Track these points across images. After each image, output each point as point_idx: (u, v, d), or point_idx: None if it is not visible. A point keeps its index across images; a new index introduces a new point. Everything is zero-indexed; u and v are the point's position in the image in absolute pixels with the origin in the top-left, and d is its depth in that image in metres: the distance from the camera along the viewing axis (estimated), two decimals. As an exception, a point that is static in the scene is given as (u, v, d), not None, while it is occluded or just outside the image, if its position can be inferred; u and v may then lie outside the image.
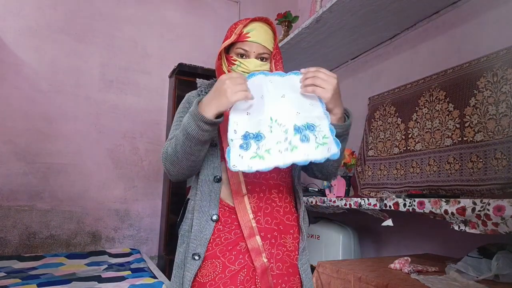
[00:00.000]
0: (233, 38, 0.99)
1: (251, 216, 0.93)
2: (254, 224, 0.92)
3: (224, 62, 1.05)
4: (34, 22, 2.43)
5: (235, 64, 1.02)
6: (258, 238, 0.92)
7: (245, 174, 0.95)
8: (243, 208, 0.93)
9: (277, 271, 0.94)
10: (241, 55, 1.01)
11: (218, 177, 0.95)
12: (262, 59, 1.01)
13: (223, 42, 1.03)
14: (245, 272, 0.91)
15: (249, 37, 0.99)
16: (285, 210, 0.99)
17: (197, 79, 1.10)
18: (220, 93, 0.82)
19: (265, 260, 0.91)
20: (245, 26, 0.99)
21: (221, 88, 0.82)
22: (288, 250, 0.98)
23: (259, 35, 1.00)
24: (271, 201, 0.97)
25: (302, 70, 0.88)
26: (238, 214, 0.93)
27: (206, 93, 1.03)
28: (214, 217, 0.93)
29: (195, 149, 0.87)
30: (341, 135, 0.88)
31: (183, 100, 1.07)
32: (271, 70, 1.05)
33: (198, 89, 1.06)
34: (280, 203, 0.99)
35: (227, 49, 1.05)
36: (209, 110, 0.83)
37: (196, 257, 0.91)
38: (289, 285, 0.95)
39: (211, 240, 0.93)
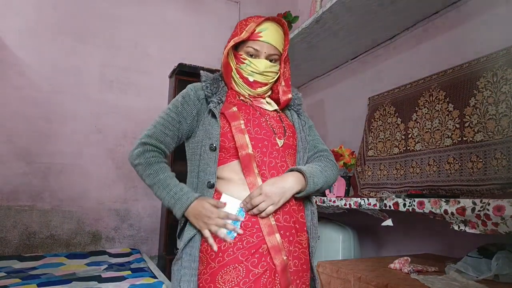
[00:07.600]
0: (244, 35, 0.96)
1: None
2: (273, 222, 0.91)
3: (232, 59, 1.01)
4: (34, 22, 2.43)
5: (244, 63, 0.99)
6: (277, 235, 0.90)
7: (261, 173, 0.94)
8: None
9: (294, 268, 0.94)
10: (251, 55, 0.98)
11: (211, 183, 0.94)
12: (271, 60, 1.00)
13: (231, 37, 0.99)
14: (267, 274, 0.89)
15: (261, 36, 0.96)
16: (299, 208, 1.00)
17: (201, 71, 1.05)
18: (201, 219, 0.91)
19: (285, 257, 0.90)
20: (258, 24, 0.97)
21: (203, 217, 0.90)
22: (303, 247, 0.98)
23: (271, 36, 0.97)
24: (288, 199, 0.96)
25: (241, 204, 0.93)
26: None
27: (211, 90, 0.99)
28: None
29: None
30: (316, 190, 0.99)
31: (182, 93, 1.03)
32: (280, 73, 1.03)
33: (203, 83, 1.02)
34: (295, 201, 0.98)
35: (236, 46, 1.01)
36: (186, 215, 0.93)
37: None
38: (302, 281, 0.96)
39: (233, 244, 0.90)
